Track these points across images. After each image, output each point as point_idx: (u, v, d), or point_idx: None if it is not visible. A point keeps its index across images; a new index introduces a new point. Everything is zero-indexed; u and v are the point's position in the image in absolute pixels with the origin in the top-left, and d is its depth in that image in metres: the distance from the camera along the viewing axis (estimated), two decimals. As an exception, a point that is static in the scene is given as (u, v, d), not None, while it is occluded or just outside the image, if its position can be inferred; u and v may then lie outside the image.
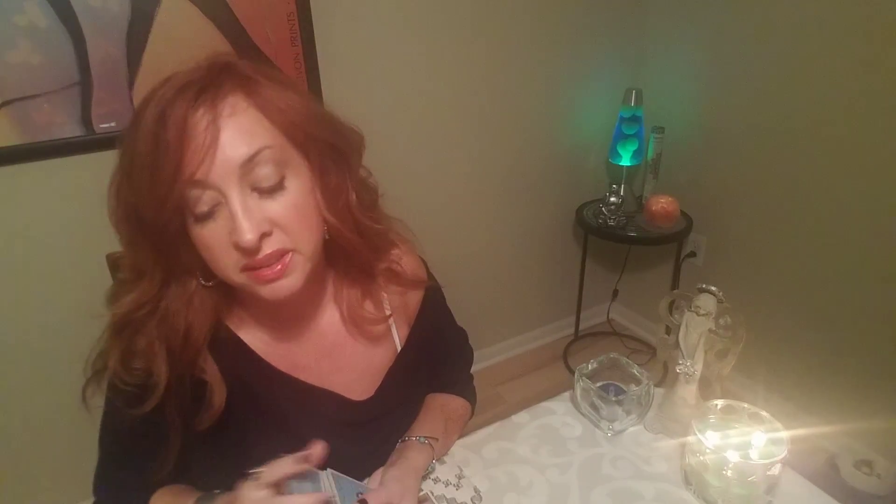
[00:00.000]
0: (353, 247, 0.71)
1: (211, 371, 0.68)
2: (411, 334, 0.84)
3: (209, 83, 0.58)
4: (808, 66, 1.56)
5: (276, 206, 0.61)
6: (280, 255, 0.61)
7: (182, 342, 0.66)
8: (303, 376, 0.75)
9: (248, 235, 0.57)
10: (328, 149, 0.66)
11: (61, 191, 1.30)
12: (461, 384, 0.98)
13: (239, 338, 0.73)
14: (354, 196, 0.70)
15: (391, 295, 0.82)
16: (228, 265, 0.61)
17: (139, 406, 0.65)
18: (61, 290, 1.37)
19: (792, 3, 1.56)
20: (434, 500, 0.77)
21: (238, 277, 0.62)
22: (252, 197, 0.60)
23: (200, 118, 0.56)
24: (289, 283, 0.63)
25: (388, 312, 0.81)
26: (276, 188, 0.61)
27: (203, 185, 0.57)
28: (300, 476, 0.60)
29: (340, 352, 0.79)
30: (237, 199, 0.58)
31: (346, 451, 0.75)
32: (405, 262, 0.81)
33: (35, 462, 1.50)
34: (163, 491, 0.74)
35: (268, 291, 0.63)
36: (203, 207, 0.59)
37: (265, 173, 0.59)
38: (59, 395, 1.44)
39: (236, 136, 0.58)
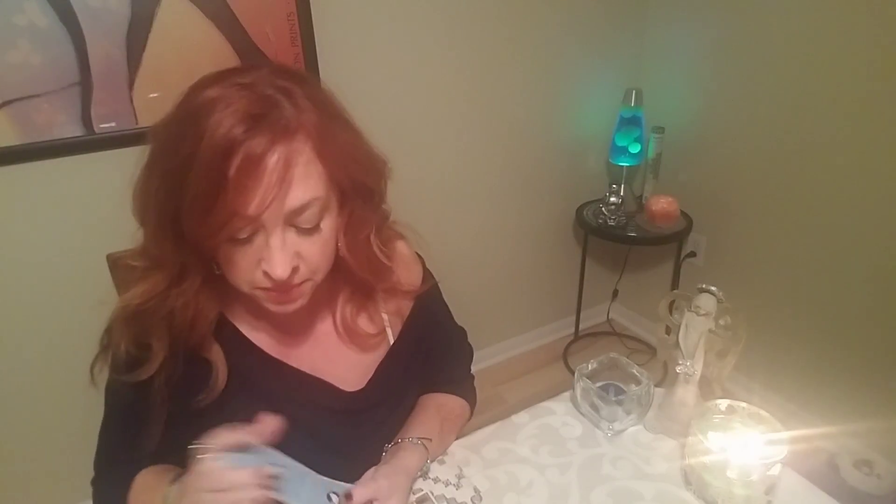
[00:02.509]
0: (361, 276, 0.75)
1: (215, 351, 0.71)
2: (404, 329, 0.85)
3: (282, 126, 0.58)
4: (808, 66, 1.56)
5: (309, 245, 0.64)
6: (299, 284, 0.65)
7: (188, 330, 0.68)
8: (295, 364, 0.77)
9: (281, 272, 0.61)
10: (363, 189, 0.69)
11: (61, 191, 1.30)
12: (460, 383, 0.98)
13: (232, 324, 0.74)
14: (374, 233, 0.74)
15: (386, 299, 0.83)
16: (247, 281, 0.65)
17: (126, 373, 0.68)
18: (61, 289, 1.37)
19: (792, 2, 1.56)
20: (434, 500, 0.77)
21: (250, 291, 0.65)
22: (289, 232, 0.62)
23: (274, 166, 0.57)
24: (296, 305, 0.68)
25: (385, 324, 0.83)
26: (314, 230, 0.64)
27: (254, 221, 0.59)
28: (242, 449, 0.58)
29: (333, 343, 0.80)
30: (278, 236, 0.61)
31: (336, 439, 0.77)
32: (402, 270, 0.82)
33: (36, 462, 1.50)
34: (147, 470, 0.75)
35: (275, 308, 0.67)
36: (244, 235, 0.61)
37: (308, 217, 0.62)
38: (59, 394, 1.44)
39: (297, 185, 0.59)
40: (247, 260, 0.62)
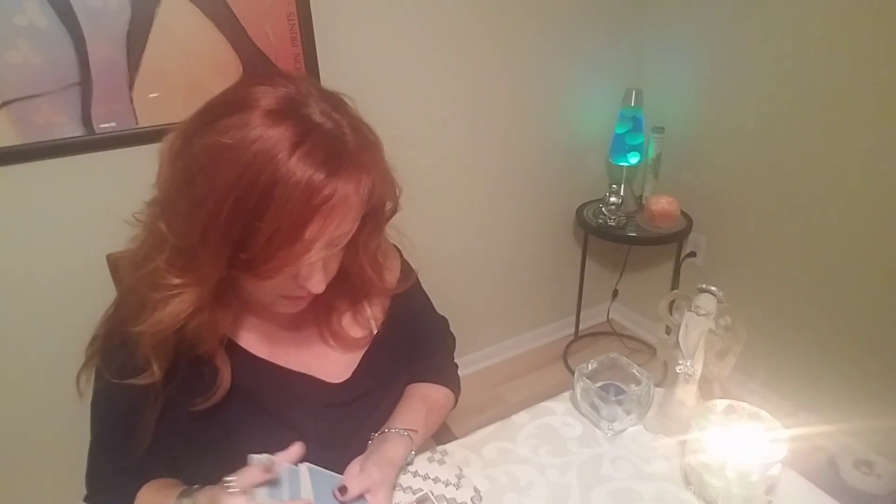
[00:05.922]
0: (360, 282, 0.80)
1: (221, 358, 0.71)
2: (387, 319, 0.86)
3: (351, 165, 0.61)
4: (808, 66, 1.56)
5: (334, 260, 0.70)
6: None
7: (200, 339, 0.68)
8: (280, 361, 0.78)
9: (321, 288, 0.67)
10: (384, 207, 0.75)
11: (61, 191, 1.30)
12: (444, 372, 0.99)
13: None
14: (382, 242, 0.80)
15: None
16: (276, 293, 0.68)
17: (122, 377, 0.68)
18: (61, 290, 1.37)
19: (792, 2, 1.56)
20: (434, 500, 0.77)
21: (271, 300, 0.70)
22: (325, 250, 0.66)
23: (347, 203, 0.61)
24: (302, 306, 0.72)
25: (369, 320, 0.85)
26: (342, 248, 0.69)
27: (321, 250, 0.64)
28: (271, 483, 0.60)
29: (318, 340, 0.82)
30: (320, 257, 0.65)
31: (326, 433, 0.78)
32: (386, 266, 0.85)
33: (36, 462, 1.50)
34: (150, 484, 0.75)
35: (287, 310, 0.72)
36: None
37: (343, 241, 0.67)
38: (58, 395, 1.44)
39: (354, 215, 0.64)
40: (283, 275, 0.64)
